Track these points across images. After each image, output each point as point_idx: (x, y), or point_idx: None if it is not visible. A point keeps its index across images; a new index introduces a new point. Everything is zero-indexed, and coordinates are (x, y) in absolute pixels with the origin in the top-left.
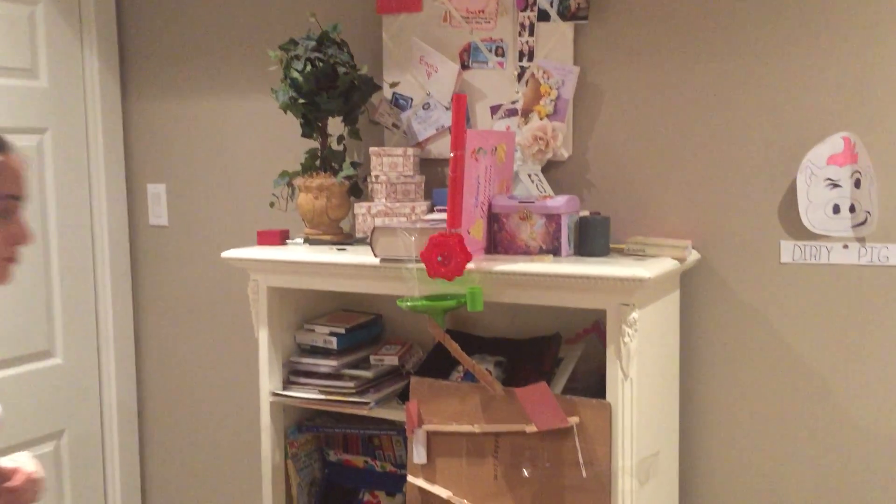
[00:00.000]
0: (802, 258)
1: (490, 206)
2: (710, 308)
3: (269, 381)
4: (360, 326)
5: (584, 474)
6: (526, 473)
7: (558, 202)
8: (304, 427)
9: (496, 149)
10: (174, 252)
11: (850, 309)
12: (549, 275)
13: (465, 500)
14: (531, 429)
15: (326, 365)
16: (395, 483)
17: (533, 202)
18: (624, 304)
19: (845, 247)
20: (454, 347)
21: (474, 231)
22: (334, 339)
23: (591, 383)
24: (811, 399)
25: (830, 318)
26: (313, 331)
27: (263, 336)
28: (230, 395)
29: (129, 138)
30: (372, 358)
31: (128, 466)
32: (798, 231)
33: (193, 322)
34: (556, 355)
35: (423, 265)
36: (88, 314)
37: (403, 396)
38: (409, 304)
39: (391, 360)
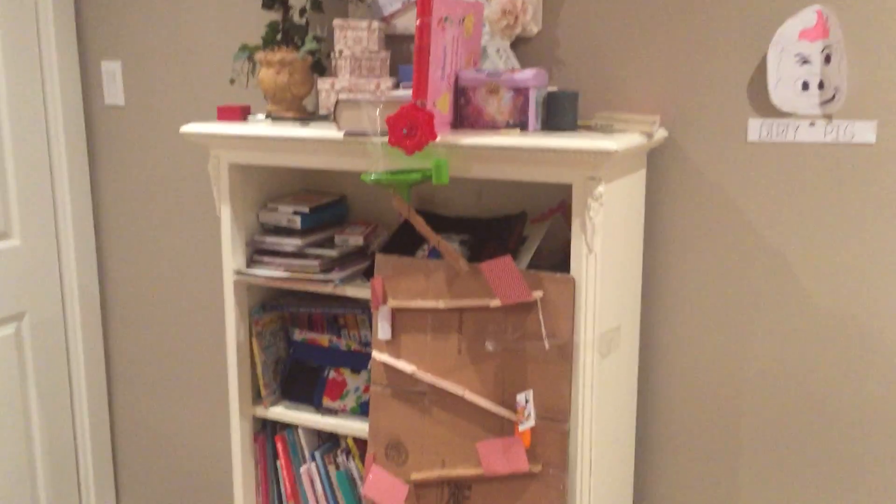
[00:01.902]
0: (769, 136)
1: (457, 79)
2: (675, 186)
3: (232, 259)
4: (325, 207)
5: (547, 347)
6: (489, 347)
7: (526, 75)
8: (269, 306)
9: (464, 20)
10: (132, 133)
11: (815, 187)
12: (515, 148)
13: (429, 375)
14: (495, 303)
15: (290, 244)
16: (360, 361)
17: (500, 75)
18: (590, 177)
19: (812, 124)
20: (419, 222)
21: (440, 104)
22: (298, 218)
23: (556, 262)
24: (773, 277)
25: (795, 197)
26: (277, 210)
27: (226, 214)
28: (194, 276)
29: (82, 12)
30: (336, 238)
31: (91, 350)
32: (766, 109)
33: (154, 203)
34: (522, 234)
35: (386, 139)
36: (45, 196)
37: (368, 274)
38: (373, 177)
39: (356, 240)
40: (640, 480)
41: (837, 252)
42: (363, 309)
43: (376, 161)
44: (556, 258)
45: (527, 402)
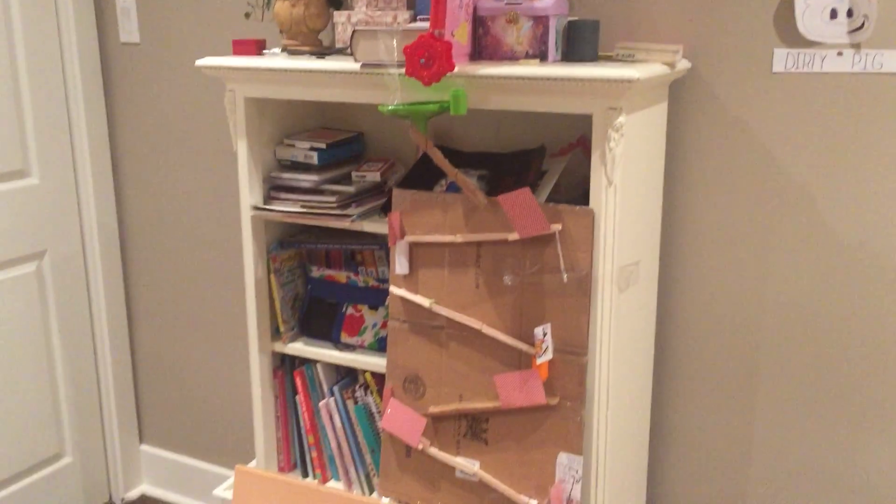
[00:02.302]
0: (795, 67)
1: (475, 8)
2: (697, 119)
3: (249, 195)
4: (342, 143)
5: (565, 280)
6: (507, 281)
7: (546, 3)
8: (286, 243)
9: None
10: (147, 70)
11: (840, 120)
12: (535, 77)
13: (447, 309)
14: (513, 237)
15: (307, 180)
16: (377, 297)
17: (520, 3)
18: (611, 107)
19: (839, 54)
20: (436, 154)
21: (458, 34)
22: (315, 154)
23: (575, 197)
24: (795, 211)
25: (819, 129)
26: (293, 146)
27: (242, 149)
28: (212, 213)
29: None
30: (353, 174)
31: (112, 287)
32: (792, 38)
33: (171, 140)
34: (540, 168)
35: (404, 70)
36: (62, 134)
37: (385, 209)
38: (390, 108)
39: (373, 176)
40: (658, 413)
41: (861, 184)
42: (380, 245)
43: (393, 93)
44: (575, 193)
45: (544, 335)
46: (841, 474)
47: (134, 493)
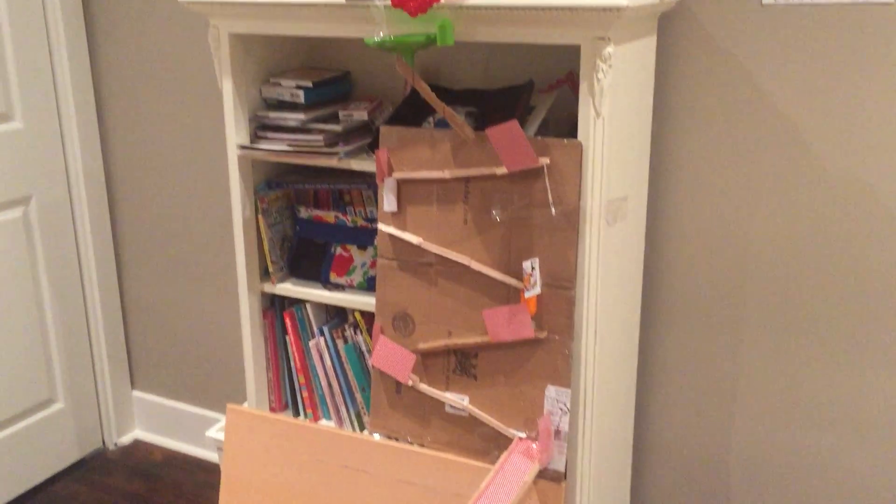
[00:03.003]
0: None
1: None
2: (686, 53)
3: (235, 134)
4: (329, 82)
5: (554, 213)
6: (496, 216)
7: None
8: (274, 184)
9: None
10: (130, 8)
11: (831, 52)
12: (523, 7)
13: (435, 245)
14: (501, 171)
15: (294, 119)
16: (366, 237)
17: None
18: (599, 38)
19: None
20: (423, 88)
21: None
22: (301, 93)
23: (563, 133)
24: (785, 145)
25: (810, 62)
26: (279, 84)
27: (227, 87)
28: (198, 154)
29: None
30: (341, 113)
31: (99, 232)
32: None
33: (156, 80)
34: (528, 103)
35: (390, 2)
36: (45, 77)
37: (373, 148)
38: (377, 40)
39: (360, 115)
40: (645, 347)
41: (851, 118)
42: (369, 184)
43: (380, 25)
44: (563, 129)
45: (533, 269)
46: (827, 406)
47: (127, 439)
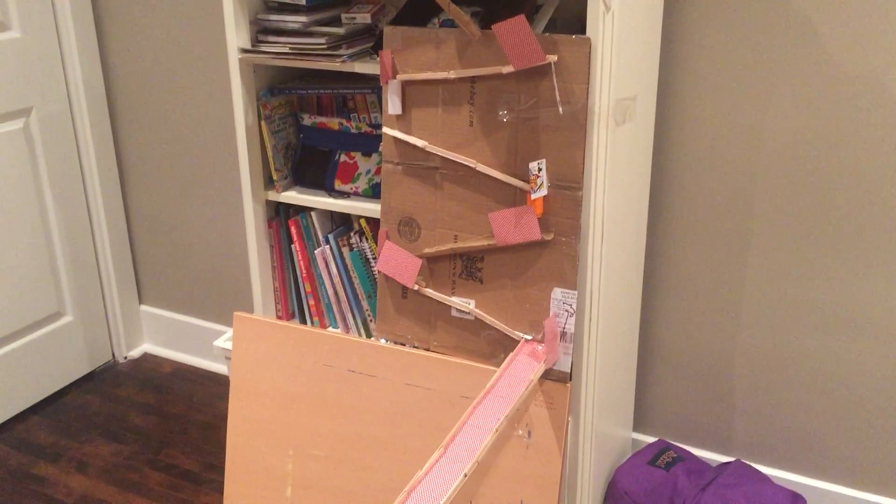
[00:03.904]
0: None
1: None
2: None
3: (236, 37)
4: None
5: (561, 112)
6: (502, 116)
7: None
8: (276, 90)
9: None
10: None
11: None
12: None
13: (441, 148)
14: (508, 69)
15: (295, 21)
16: (370, 143)
17: None
18: None
19: None
20: None
21: None
22: None
23: (572, 31)
24: (799, 43)
25: None
26: None
27: None
28: (199, 60)
29: None
30: (343, 16)
31: (101, 144)
32: None
33: None
34: (535, 2)
35: None
36: None
37: (377, 49)
38: None
39: (363, 18)
40: (652, 250)
41: (866, 15)
42: (372, 89)
43: None
44: (572, 30)
45: (539, 170)
46: (836, 311)
47: (136, 352)
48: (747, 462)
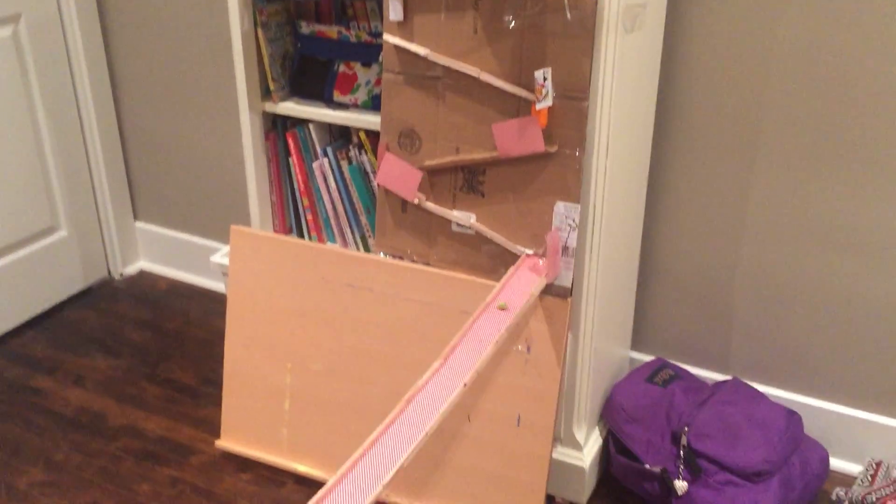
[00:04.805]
0: None
1: None
2: None
3: None
4: None
5: (569, 17)
6: (508, 22)
7: None
8: None
9: None
10: None
11: None
12: None
13: (444, 57)
14: None
15: None
16: (370, 53)
17: None
18: None
19: None
20: None
21: None
22: None
23: None
24: None
25: None
26: None
27: None
28: None
29: None
30: None
31: (93, 54)
32: None
33: None
34: None
35: None
36: None
37: None
38: None
39: None
40: (656, 166)
41: None
42: None
43: None
44: None
45: (545, 79)
46: (841, 231)
47: (132, 269)
48: (744, 381)
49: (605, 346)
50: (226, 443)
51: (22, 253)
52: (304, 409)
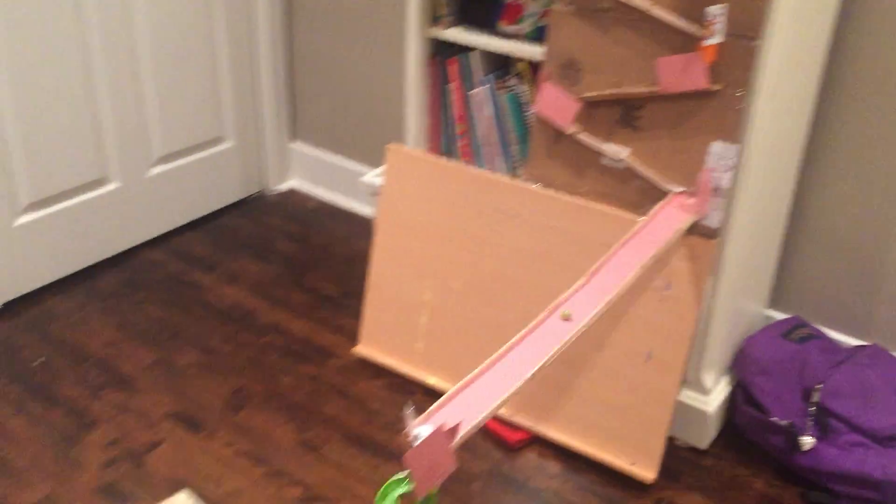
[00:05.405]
0: None
1: None
2: None
3: None
4: None
5: None
6: None
7: None
8: None
9: None
10: None
11: None
12: None
13: None
14: None
15: None
16: None
17: None
18: None
19: None
20: None
21: None
22: None
23: None
24: None
25: None
26: None
27: None
28: None
29: None
30: None
31: None
32: None
33: None
34: None
35: None
36: None
37: None
38: None
39: None
40: (819, 116)
41: None
42: None
43: None
44: None
45: (718, 15)
46: None
47: (284, 186)
48: (884, 348)
49: (743, 295)
50: (363, 350)
51: (191, 158)
52: (439, 325)
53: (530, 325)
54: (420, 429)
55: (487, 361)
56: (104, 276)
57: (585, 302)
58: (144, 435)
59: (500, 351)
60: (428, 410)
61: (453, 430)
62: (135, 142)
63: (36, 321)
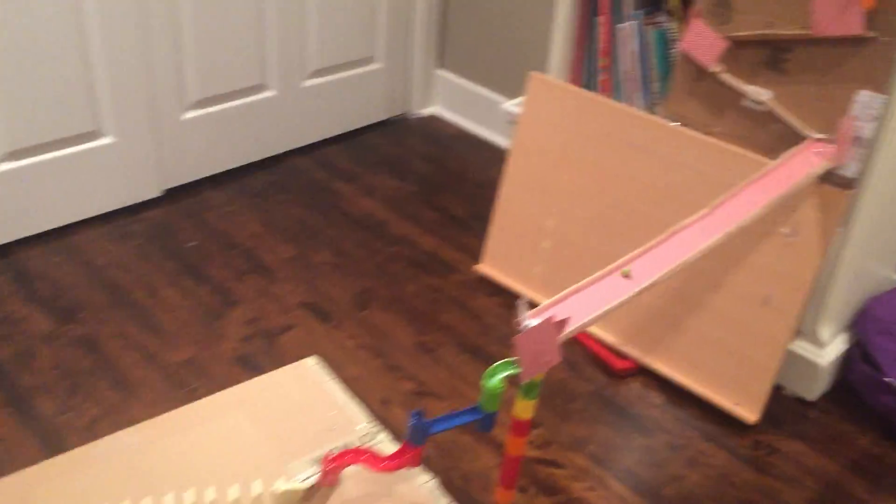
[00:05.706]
0: None
1: None
2: None
3: None
4: None
5: None
6: None
7: None
8: None
9: None
10: None
11: None
12: None
13: None
14: None
15: None
16: None
17: None
18: None
19: None
20: None
21: None
22: None
23: None
24: None
25: None
26: None
27: None
28: None
29: None
30: None
31: None
32: None
33: None
34: None
35: None
36: None
37: None
38: None
39: None
40: None
41: None
42: None
43: None
44: None
45: None
46: None
47: (426, 111)
48: None
49: (871, 254)
50: (484, 268)
51: (342, 75)
52: (561, 251)
53: (651, 243)
54: (532, 320)
55: (605, 269)
56: (255, 176)
57: (706, 230)
58: (279, 318)
59: (620, 261)
60: (541, 304)
61: (562, 323)
62: (293, 54)
63: (192, 209)
